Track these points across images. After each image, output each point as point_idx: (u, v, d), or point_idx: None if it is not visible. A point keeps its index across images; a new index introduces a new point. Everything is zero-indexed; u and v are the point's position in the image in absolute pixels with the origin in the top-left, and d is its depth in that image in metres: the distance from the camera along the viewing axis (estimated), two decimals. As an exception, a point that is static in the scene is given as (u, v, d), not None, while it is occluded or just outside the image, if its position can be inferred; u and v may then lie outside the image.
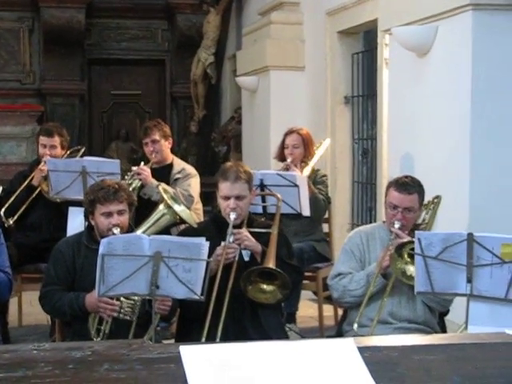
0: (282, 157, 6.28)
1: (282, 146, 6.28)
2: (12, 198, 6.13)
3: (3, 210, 6.11)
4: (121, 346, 1.26)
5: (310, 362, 1.34)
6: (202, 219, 6.19)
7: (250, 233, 4.37)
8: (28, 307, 6.50)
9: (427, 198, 4.65)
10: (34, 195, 6.19)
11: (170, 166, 6.43)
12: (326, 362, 1.35)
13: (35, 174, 6.21)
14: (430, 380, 1.34)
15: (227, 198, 4.35)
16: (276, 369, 1.32)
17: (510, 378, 1.34)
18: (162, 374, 1.22)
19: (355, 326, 4.30)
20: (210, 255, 3.94)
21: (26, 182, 6.19)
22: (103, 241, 3.90)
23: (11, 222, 6.11)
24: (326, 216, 6.49)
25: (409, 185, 4.40)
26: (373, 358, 1.37)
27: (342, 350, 1.39)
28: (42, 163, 6.17)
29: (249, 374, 1.30)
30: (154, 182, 6.04)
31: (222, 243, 4.26)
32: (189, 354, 1.29)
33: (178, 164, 6.49)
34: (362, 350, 1.37)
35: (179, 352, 1.28)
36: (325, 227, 6.58)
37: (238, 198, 4.34)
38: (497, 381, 1.34)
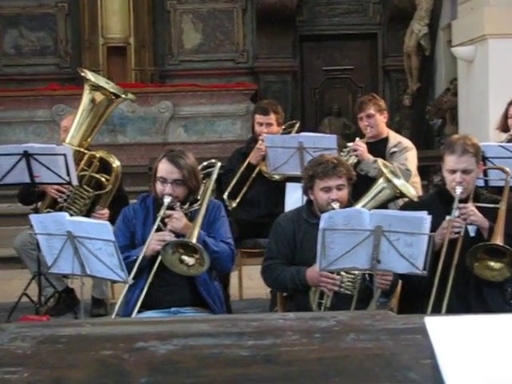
0: (505, 127, 6.02)
1: (506, 116, 6.01)
2: (234, 181, 6.21)
3: (227, 192, 6.20)
4: (365, 317, 1.24)
5: None
6: (420, 193, 6.06)
7: (477, 208, 4.23)
8: (248, 281, 6.65)
9: None
10: (253, 174, 6.28)
11: (386, 139, 6.31)
12: None
13: (253, 152, 6.28)
14: None
15: (453, 171, 4.23)
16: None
17: None
18: (410, 344, 1.19)
19: None
20: (433, 229, 3.84)
21: (245, 164, 6.25)
22: (324, 215, 3.90)
23: (234, 205, 6.22)
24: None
25: None
26: None
27: None
28: (260, 142, 6.22)
29: (500, 348, 1.23)
30: (371, 157, 5.95)
31: (447, 217, 4.15)
32: (434, 326, 1.25)
33: (394, 137, 6.37)
34: None
35: (424, 323, 1.24)
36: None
37: (464, 171, 4.21)
38: None
